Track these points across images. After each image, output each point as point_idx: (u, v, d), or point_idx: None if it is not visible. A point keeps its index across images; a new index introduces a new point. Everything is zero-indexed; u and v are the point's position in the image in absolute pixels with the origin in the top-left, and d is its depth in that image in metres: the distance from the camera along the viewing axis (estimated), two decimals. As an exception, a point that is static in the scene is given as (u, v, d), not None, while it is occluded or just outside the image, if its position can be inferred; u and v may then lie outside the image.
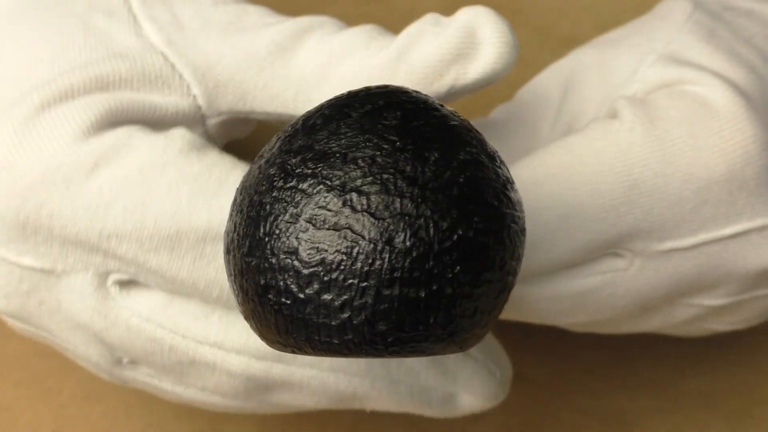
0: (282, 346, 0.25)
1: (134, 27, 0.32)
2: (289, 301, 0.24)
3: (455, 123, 0.25)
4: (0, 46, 0.32)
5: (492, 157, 0.25)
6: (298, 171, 0.24)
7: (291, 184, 0.24)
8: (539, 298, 0.34)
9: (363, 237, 0.23)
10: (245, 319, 0.25)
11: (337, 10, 0.47)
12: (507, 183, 0.25)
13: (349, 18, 0.45)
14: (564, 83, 0.37)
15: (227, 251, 0.25)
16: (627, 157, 0.32)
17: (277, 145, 0.25)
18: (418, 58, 0.31)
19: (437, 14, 0.31)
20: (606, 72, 0.36)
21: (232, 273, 0.25)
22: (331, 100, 0.25)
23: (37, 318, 0.32)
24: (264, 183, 0.24)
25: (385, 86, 0.26)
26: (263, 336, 0.25)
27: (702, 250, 0.33)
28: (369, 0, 0.47)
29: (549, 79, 0.37)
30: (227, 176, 0.30)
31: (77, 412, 0.39)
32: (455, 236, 0.23)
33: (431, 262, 0.23)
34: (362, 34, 0.32)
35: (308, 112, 0.26)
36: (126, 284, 0.31)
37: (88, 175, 0.30)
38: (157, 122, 0.31)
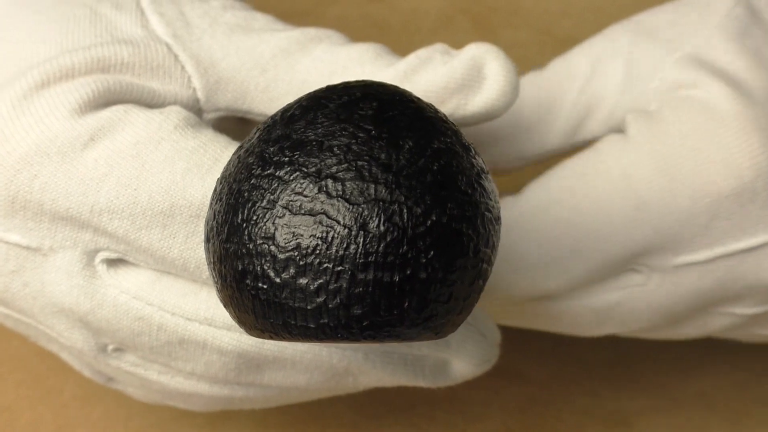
0: (260, 332, 0.25)
1: (141, 20, 0.32)
2: (265, 286, 0.24)
3: (430, 115, 0.25)
4: (6, 26, 0.32)
5: (467, 147, 0.25)
6: (275, 159, 0.24)
7: (268, 171, 0.24)
8: (563, 312, 0.34)
9: (338, 222, 0.23)
10: (224, 306, 0.26)
11: (338, 11, 0.47)
12: (481, 173, 0.25)
13: (350, 18, 0.46)
14: (594, 62, 0.36)
15: (207, 239, 0.26)
16: (632, 177, 0.32)
17: (257, 135, 0.26)
18: (423, 81, 0.31)
19: (446, 45, 0.32)
20: (634, 61, 0.36)
21: (212, 260, 0.25)
22: (309, 93, 0.26)
23: (20, 301, 0.31)
24: (243, 171, 0.25)
25: (364, 80, 0.26)
26: (242, 322, 0.25)
27: (719, 264, 0.33)
28: (370, 0, 0.48)
29: (580, 55, 0.37)
30: (222, 153, 0.30)
31: (78, 412, 0.39)
32: (429, 222, 0.24)
33: (405, 247, 0.23)
34: (370, 50, 0.32)
35: (287, 104, 0.26)
36: (113, 263, 0.31)
37: (83, 148, 0.29)
38: (154, 109, 0.31)
